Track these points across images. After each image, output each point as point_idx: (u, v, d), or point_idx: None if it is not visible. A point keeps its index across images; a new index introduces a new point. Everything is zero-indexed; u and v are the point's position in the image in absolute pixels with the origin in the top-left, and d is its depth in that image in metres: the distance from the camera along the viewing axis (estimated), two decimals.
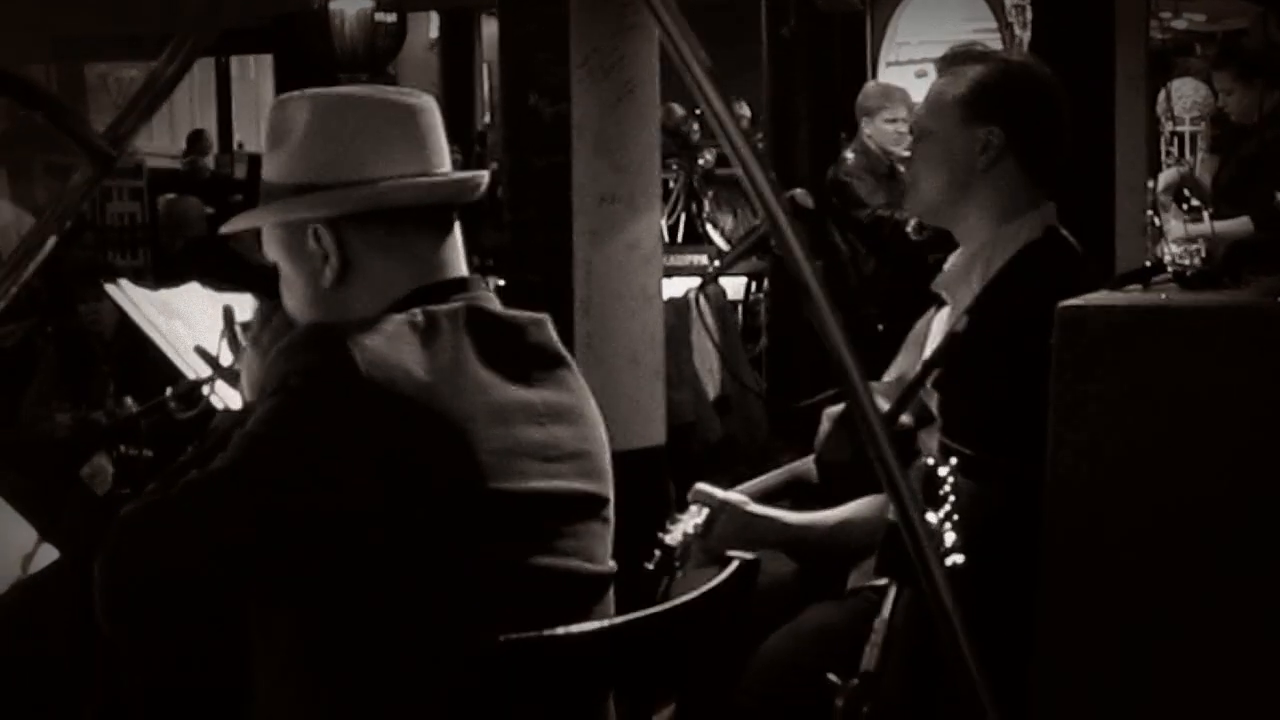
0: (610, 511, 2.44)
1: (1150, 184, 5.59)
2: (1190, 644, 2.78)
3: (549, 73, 5.02)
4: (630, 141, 5.07)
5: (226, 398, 2.60)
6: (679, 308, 6.75)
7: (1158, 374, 2.80)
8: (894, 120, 7.16)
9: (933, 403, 2.99)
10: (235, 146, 16.07)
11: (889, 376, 3.31)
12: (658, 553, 3.10)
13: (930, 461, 2.16)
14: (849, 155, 7.13)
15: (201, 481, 2.19)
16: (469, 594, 2.22)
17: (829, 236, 6.88)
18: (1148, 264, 3.07)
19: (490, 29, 14.66)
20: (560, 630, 2.19)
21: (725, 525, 3.15)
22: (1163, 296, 2.90)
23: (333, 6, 11.36)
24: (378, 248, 2.35)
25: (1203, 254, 3.00)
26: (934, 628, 1.96)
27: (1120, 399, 2.80)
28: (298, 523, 2.17)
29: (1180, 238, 3.00)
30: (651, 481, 5.12)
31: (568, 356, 2.45)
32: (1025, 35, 10.47)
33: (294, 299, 2.41)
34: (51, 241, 2.00)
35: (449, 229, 2.41)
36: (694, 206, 9.84)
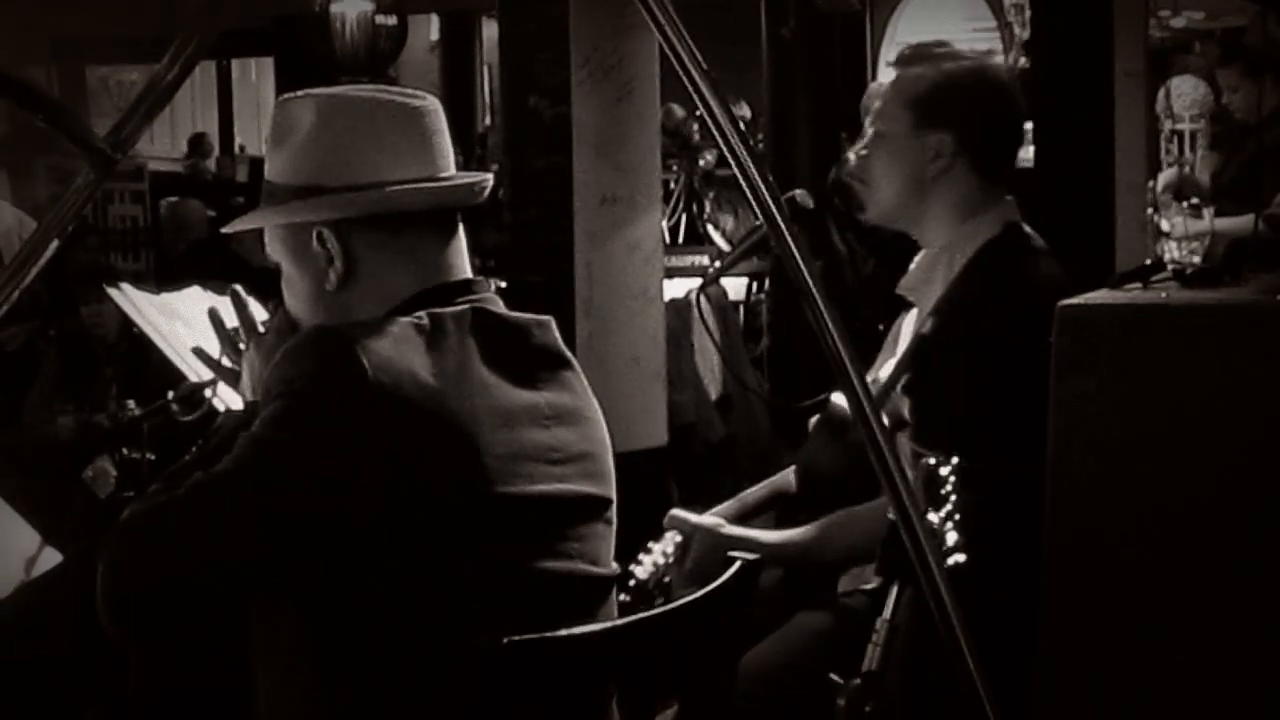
0: (613, 513, 2.44)
1: (1150, 183, 5.59)
2: (1190, 641, 2.78)
3: (549, 74, 5.03)
4: (630, 142, 5.08)
5: (229, 400, 2.60)
6: (680, 308, 6.75)
7: (1158, 372, 2.80)
8: None
9: (904, 407, 2.99)
10: (237, 149, 16.08)
11: (867, 378, 3.30)
12: (631, 583, 3.09)
13: (932, 461, 2.16)
14: (852, 156, 7.11)
15: (207, 483, 2.19)
16: (473, 596, 2.22)
17: (829, 237, 6.88)
18: (1148, 262, 3.08)
19: (490, 31, 14.66)
20: (563, 631, 2.19)
21: (699, 550, 3.13)
22: (1163, 295, 2.90)
23: (333, 9, 11.35)
24: (382, 250, 2.34)
25: (1202, 252, 3.01)
26: (935, 627, 1.97)
27: (1120, 397, 2.81)
28: (303, 525, 2.17)
29: (1181, 235, 3.00)
30: (653, 482, 5.13)
31: (571, 358, 2.45)
32: (1024, 34, 10.48)
33: (297, 300, 2.40)
34: (54, 245, 2.01)
35: (453, 231, 2.41)
36: (695, 207, 9.83)
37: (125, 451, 4.28)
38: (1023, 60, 10.82)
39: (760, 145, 9.44)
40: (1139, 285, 2.98)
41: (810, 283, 1.96)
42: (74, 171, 2.06)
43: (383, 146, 2.34)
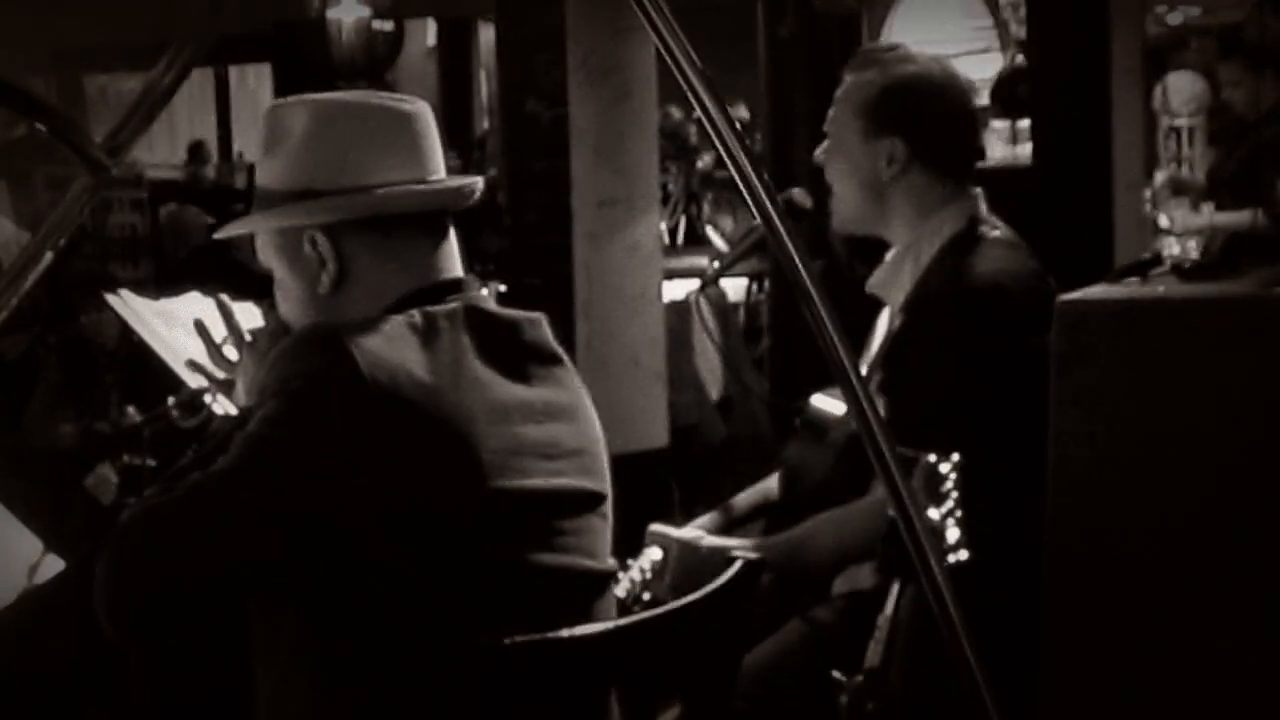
0: (609, 508, 2.45)
1: (1149, 185, 5.60)
2: (1192, 634, 2.78)
3: (547, 77, 5.03)
4: (628, 144, 5.09)
5: (228, 405, 2.60)
6: (680, 310, 6.75)
7: (1157, 365, 2.81)
8: None
9: (880, 407, 2.98)
10: (235, 156, 16.05)
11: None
12: None
13: (932, 459, 2.16)
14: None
15: (203, 484, 2.20)
16: (471, 591, 2.22)
17: (827, 236, 6.89)
18: (1146, 257, 3.08)
19: (488, 35, 14.65)
20: (564, 632, 2.20)
21: (679, 564, 3.13)
22: (1161, 289, 2.91)
23: (330, 15, 11.36)
24: (374, 253, 2.36)
25: (1200, 247, 3.01)
26: (936, 623, 1.97)
27: (1119, 391, 2.81)
28: (300, 524, 2.17)
29: (1181, 231, 3.01)
30: (654, 484, 5.13)
31: (563, 355, 2.46)
32: (1021, 32, 10.48)
33: (290, 304, 2.42)
34: (51, 253, 2.01)
35: (444, 233, 2.42)
36: (694, 209, 9.83)
37: (126, 458, 4.28)
38: (1019, 59, 10.83)
39: (758, 146, 9.45)
40: (1137, 280, 2.99)
41: (808, 282, 1.96)
42: (73, 180, 2.06)
43: (373, 150, 2.35)
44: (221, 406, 2.62)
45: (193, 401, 2.67)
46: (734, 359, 7.36)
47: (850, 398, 1.99)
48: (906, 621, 2.19)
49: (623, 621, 2.34)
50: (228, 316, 2.52)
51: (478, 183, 2.47)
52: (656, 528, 3.21)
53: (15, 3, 11.30)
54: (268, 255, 2.42)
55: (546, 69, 5.03)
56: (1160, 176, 5.91)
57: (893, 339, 3.08)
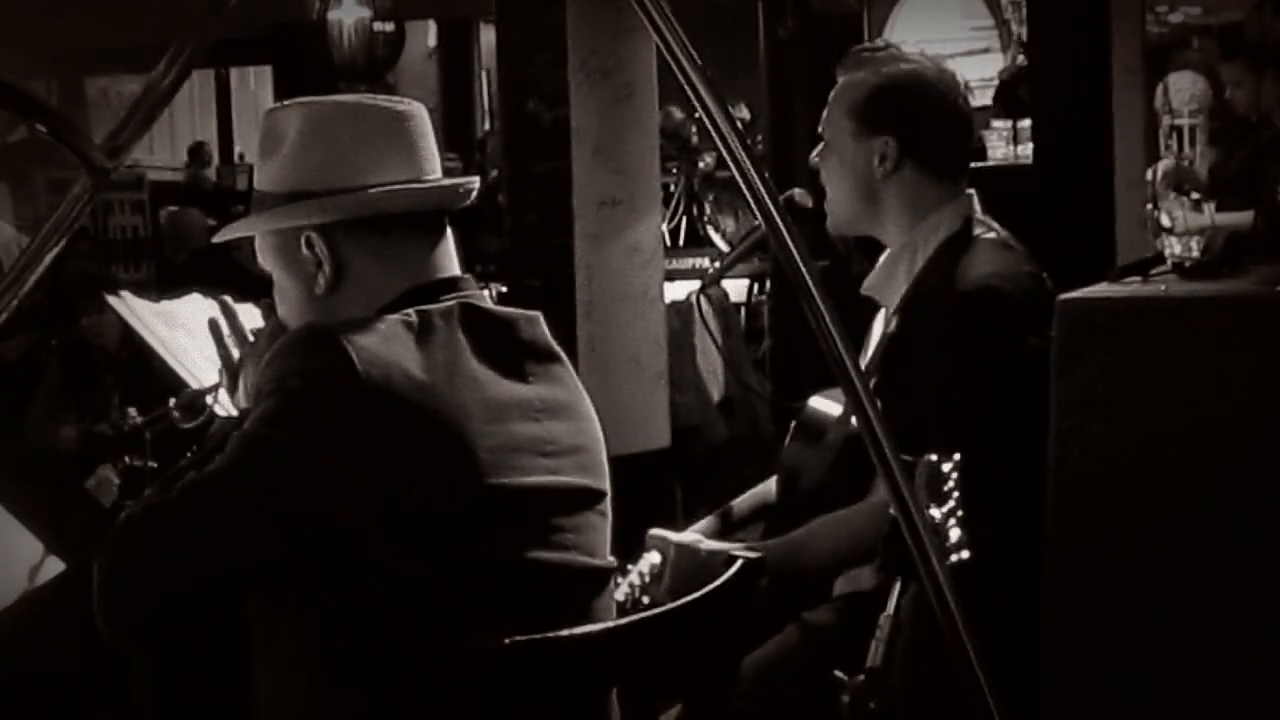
0: (608, 506, 2.45)
1: (1149, 174, 5.59)
2: (1193, 633, 2.78)
3: (547, 78, 5.03)
4: (629, 145, 5.08)
5: (229, 407, 2.60)
6: (681, 310, 6.75)
7: (1158, 364, 2.80)
8: None
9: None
10: (236, 158, 16.06)
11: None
12: None
13: (934, 458, 2.16)
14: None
15: (199, 483, 2.20)
16: (469, 589, 2.22)
17: (829, 236, 6.88)
18: (1147, 256, 3.08)
19: (488, 36, 14.65)
20: (565, 632, 2.20)
21: (676, 569, 3.12)
22: (1162, 288, 2.90)
23: (331, 17, 11.37)
24: (370, 254, 2.36)
25: (1201, 245, 3.01)
26: (938, 622, 1.97)
27: (1121, 390, 2.81)
28: (296, 522, 2.18)
29: (1182, 230, 3.00)
30: (656, 484, 5.13)
31: (561, 353, 2.46)
32: (1022, 32, 10.47)
33: (288, 306, 2.42)
34: (52, 254, 2.01)
35: (441, 233, 2.42)
36: (695, 209, 9.83)
37: (128, 460, 4.28)
38: (1021, 58, 10.83)
39: (759, 146, 9.45)
40: (1138, 279, 2.98)
41: (809, 282, 1.96)
42: (74, 182, 2.06)
43: (367, 151, 2.36)
44: (223, 408, 2.62)
45: (194, 403, 2.67)
46: (735, 359, 7.37)
47: (852, 398, 1.99)
48: (908, 621, 2.19)
49: (623, 621, 2.34)
50: (231, 317, 2.52)
51: (473, 182, 2.47)
52: (656, 532, 3.20)
53: (15, 5, 11.31)
54: (266, 258, 2.43)
55: (547, 70, 5.02)
56: (1161, 167, 5.89)
57: (888, 341, 3.08)
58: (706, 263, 8.22)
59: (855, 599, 3.05)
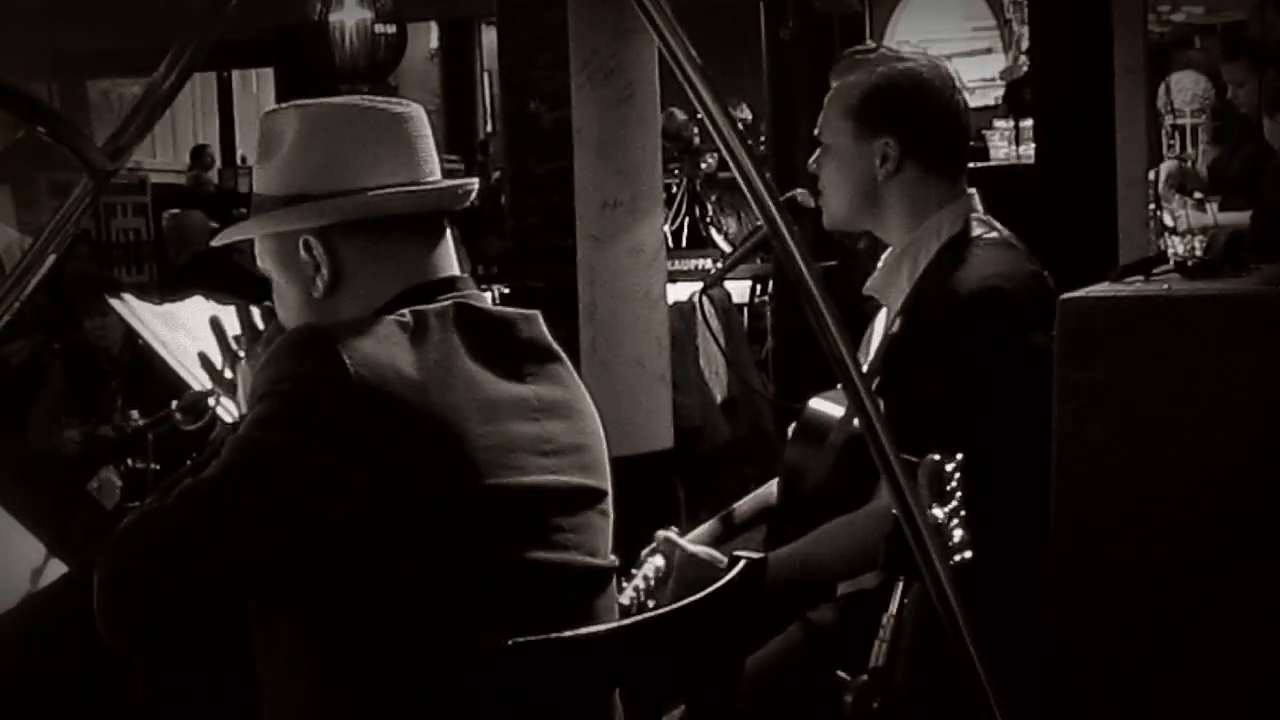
0: (609, 505, 2.44)
1: (1151, 174, 5.59)
2: (1196, 631, 2.78)
3: (548, 79, 5.02)
4: (631, 145, 5.08)
5: (231, 409, 2.60)
6: (684, 311, 6.75)
7: (1160, 363, 2.80)
8: None
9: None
10: (238, 161, 16.06)
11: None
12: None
13: (937, 458, 2.16)
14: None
15: (195, 489, 2.20)
16: (469, 589, 2.22)
17: (831, 236, 6.88)
18: (1149, 255, 3.08)
19: (490, 38, 14.66)
20: (568, 632, 2.19)
21: (681, 579, 3.12)
22: (1165, 287, 2.90)
23: (332, 19, 11.35)
24: (368, 256, 2.36)
25: (1204, 244, 3.01)
26: (940, 623, 1.97)
27: (1123, 389, 2.81)
28: (293, 525, 2.17)
29: (1185, 230, 3.00)
30: (659, 485, 5.13)
31: (560, 352, 2.46)
32: (1024, 31, 10.47)
33: (287, 309, 2.42)
34: (53, 257, 2.01)
35: (440, 235, 2.42)
36: (697, 210, 9.83)
37: (130, 462, 4.29)
38: (1023, 58, 10.84)
39: (761, 147, 9.45)
40: (1141, 278, 2.98)
41: (811, 283, 1.96)
42: (76, 185, 2.06)
43: (365, 153, 2.35)
44: (225, 410, 2.62)
45: (196, 405, 2.67)
46: (738, 360, 7.36)
47: (853, 399, 1.99)
48: (911, 621, 2.19)
49: (626, 622, 2.34)
50: (246, 320, 2.52)
51: (472, 183, 2.47)
52: (664, 534, 3.20)
53: (16, 7, 11.31)
54: (264, 261, 2.43)
55: (549, 71, 5.02)
56: (1164, 169, 5.89)
57: (891, 341, 3.08)
58: (709, 264, 8.22)
59: (858, 598, 3.04)
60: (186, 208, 10.75)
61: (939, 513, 2.12)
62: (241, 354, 2.51)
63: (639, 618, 2.34)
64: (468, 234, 9.14)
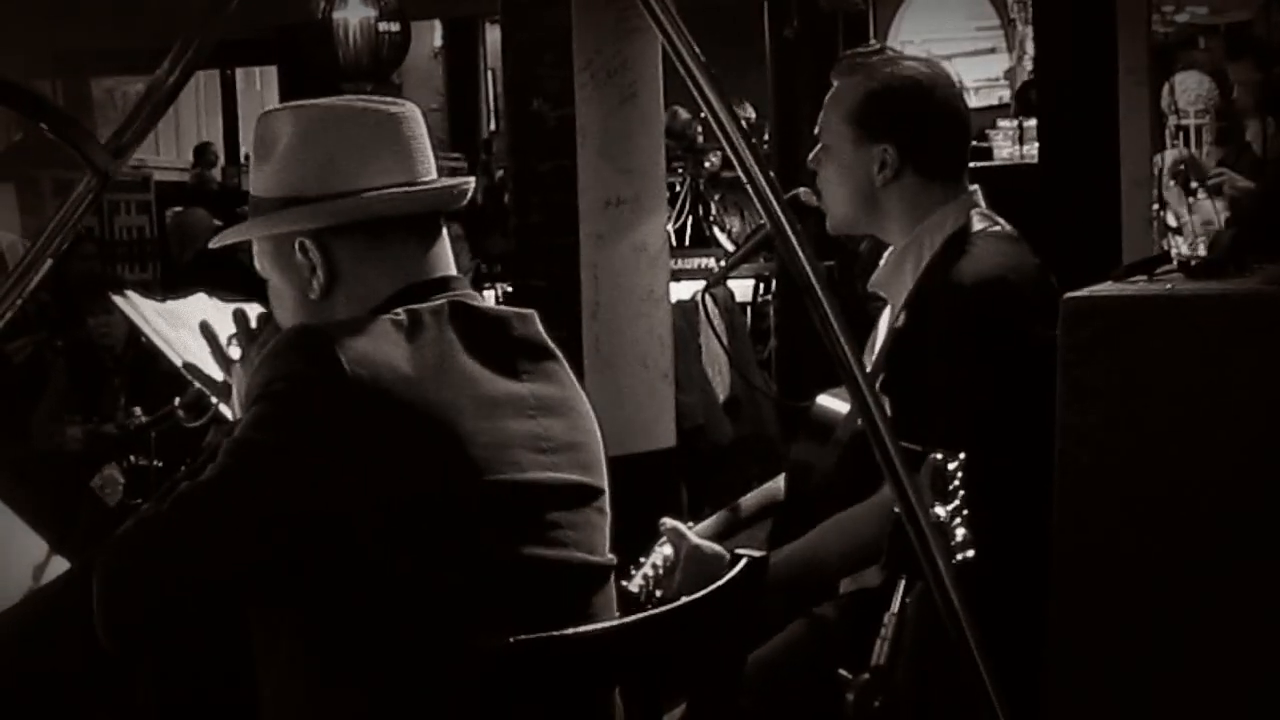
0: (606, 503, 2.44)
1: (1155, 161, 5.56)
2: (1199, 630, 2.78)
3: (552, 78, 5.02)
4: (635, 144, 5.08)
5: (231, 410, 2.61)
6: (687, 310, 6.75)
7: (1163, 363, 2.80)
8: None
9: (885, 406, 2.98)
10: (242, 159, 16.06)
11: None
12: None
13: (939, 456, 2.16)
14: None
15: (192, 492, 2.19)
16: (467, 587, 2.22)
17: (833, 236, 6.87)
18: (1153, 254, 3.08)
19: (493, 36, 14.67)
20: (569, 630, 2.19)
21: (687, 571, 3.13)
22: (1168, 286, 2.90)
23: (336, 17, 11.35)
24: (364, 257, 2.36)
25: (1207, 243, 3.01)
26: (943, 621, 1.97)
27: (1126, 388, 2.81)
28: (291, 525, 2.17)
29: (1188, 230, 3.00)
30: (661, 484, 5.13)
31: (556, 350, 2.45)
32: (1027, 31, 10.46)
33: (284, 311, 2.42)
34: (56, 254, 2.01)
35: (436, 235, 2.42)
36: (700, 209, 9.83)
37: (133, 459, 4.29)
38: (1026, 58, 10.83)
39: (764, 146, 9.45)
40: (1144, 277, 2.98)
41: (814, 281, 1.96)
42: (79, 184, 2.06)
43: (359, 154, 2.35)
44: (228, 408, 2.62)
45: (199, 402, 2.67)
46: (741, 359, 7.36)
47: (856, 395, 1.99)
48: (913, 619, 2.19)
49: (627, 620, 2.34)
50: (243, 325, 2.51)
51: (468, 183, 2.47)
52: (670, 523, 3.20)
53: (20, 5, 11.31)
54: (262, 263, 2.44)
55: (552, 69, 5.02)
56: (1168, 157, 5.85)
57: (895, 336, 3.08)
58: (712, 262, 8.22)
59: (860, 597, 3.05)
60: (190, 205, 10.75)
61: (941, 512, 2.12)
62: (236, 357, 2.51)
63: (639, 616, 2.33)
64: (472, 232, 9.15)
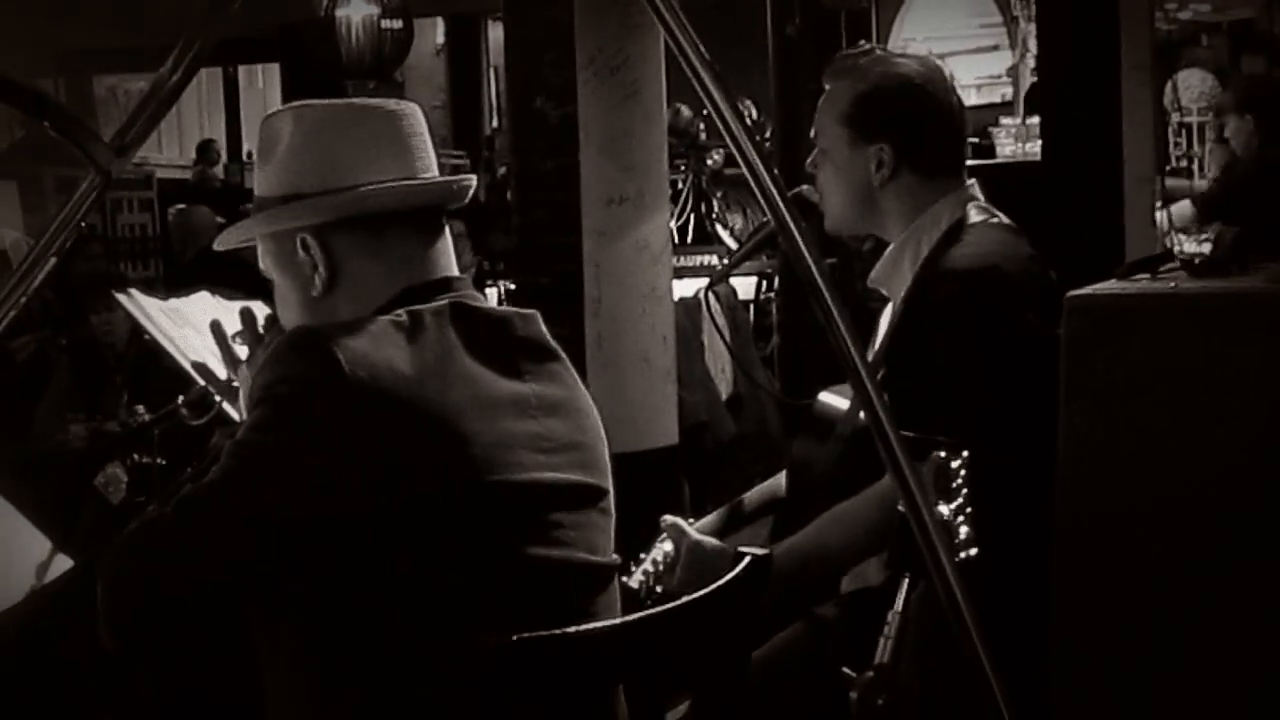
0: (609, 503, 2.44)
1: (1159, 217, 5.55)
2: (1202, 628, 2.78)
3: (554, 75, 5.03)
4: (637, 141, 5.08)
5: (235, 410, 2.61)
6: (690, 307, 6.75)
7: (1167, 361, 2.80)
8: None
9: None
10: (244, 156, 16.08)
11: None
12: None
13: (942, 454, 2.16)
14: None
15: (195, 494, 2.20)
16: (469, 587, 2.22)
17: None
18: (1156, 252, 3.08)
19: (496, 33, 14.67)
20: (572, 629, 2.19)
21: (687, 568, 3.13)
22: (1171, 285, 2.90)
23: (339, 14, 11.37)
24: (364, 254, 2.36)
25: (1211, 242, 3.00)
26: (946, 619, 1.97)
27: (1129, 386, 2.81)
28: (293, 528, 2.17)
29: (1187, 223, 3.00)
30: (664, 482, 5.13)
31: (558, 350, 2.45)
32: (1030, 28, 10.46)
33: (287, 310, 2.43)
34: (59, 250, 2.01)
35: (437, 232, 2.42)
36: (703, 206, 9.84)
37: (136, 457, 4.29)
38: (1029, 55, 10.83)
39: (768, 143, 9.45)
40: (1147, 275, 2.98)
41: (818, 278, 1.96)
42: (82, 182, 2.06)
43: (359, 151, 2.36)
44: (231, 407, 2.63)
45: (202, 400, 2.67)
46: (744, 357, 7.36)
47: (860, 392, 1.99)
48: (916, 618, 2.19)
49: (630, 618, 2.34)
50: (250, 324, 2.52)
51: (469, 179, 2.47)
52: (670, 520, 3.20)
53: (22, 4, 11.32)
54: (265, 263, 2.44)
55: (554, 67, 5.02)
56: (1176, 212, 5.85)
57: (894, 330, 3.08)
58: (715, 260, 8.23)
59: (863, 595, 3.05)
60: (193, 203, 10.75)
61: (944, 509, 2.12)
62: (243, 357, 2.51)
63: (641, 614, 2.33)
64: (474, 229, 9.15)
